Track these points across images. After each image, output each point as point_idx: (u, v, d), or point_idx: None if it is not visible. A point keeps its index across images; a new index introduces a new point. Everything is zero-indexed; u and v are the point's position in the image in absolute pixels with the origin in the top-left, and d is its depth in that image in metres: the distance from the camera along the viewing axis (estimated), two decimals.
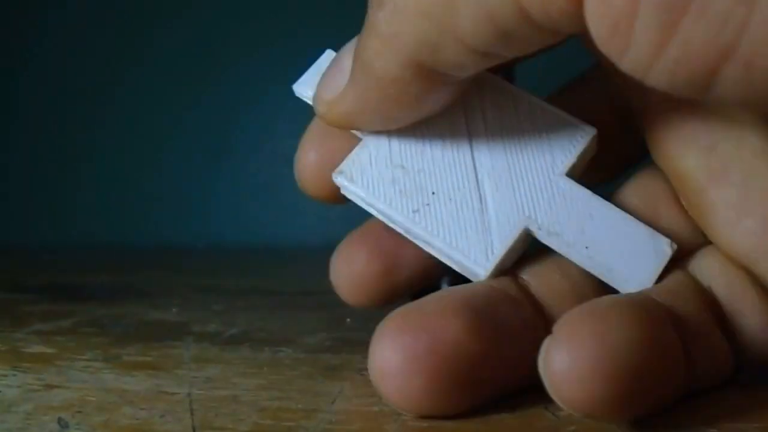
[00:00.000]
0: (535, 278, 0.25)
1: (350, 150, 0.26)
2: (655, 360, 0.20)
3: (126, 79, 1.16)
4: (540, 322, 0.24)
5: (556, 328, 0.20)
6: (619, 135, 0.28)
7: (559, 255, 0.24)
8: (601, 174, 0.29)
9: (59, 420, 0.21)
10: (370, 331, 0.31)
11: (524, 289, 0.25)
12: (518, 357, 0.23)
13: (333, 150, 0.27)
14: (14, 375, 0.27)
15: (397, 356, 0.21)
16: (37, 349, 0.32)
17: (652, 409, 0.21)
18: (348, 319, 0.39)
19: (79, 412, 0.22)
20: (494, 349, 0.22)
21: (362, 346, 0.31)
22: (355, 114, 0.24)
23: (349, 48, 0.25)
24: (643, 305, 0.21)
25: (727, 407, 0.22)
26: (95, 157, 1.16)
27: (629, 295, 0.23)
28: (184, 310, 0.44)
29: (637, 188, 0.27)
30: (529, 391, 0.24)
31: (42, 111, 1.19)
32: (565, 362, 0.19)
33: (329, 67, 0.26)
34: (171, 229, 1.14)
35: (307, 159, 0.30)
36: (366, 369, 0.27)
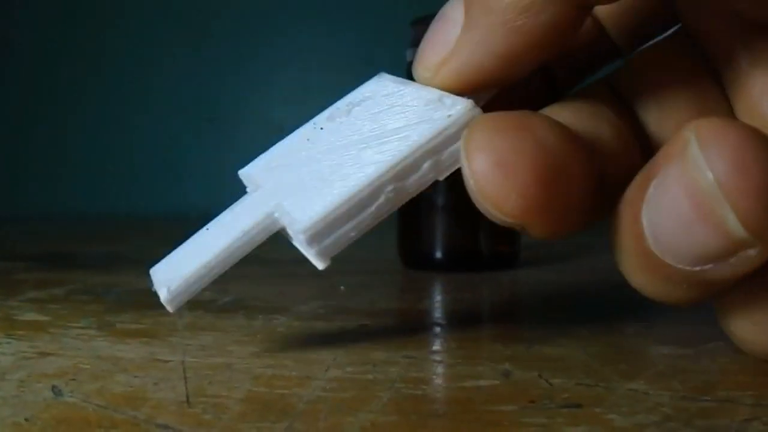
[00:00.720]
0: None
1: (521, 147, 0.21)
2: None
3: (117, 50, 1.16)
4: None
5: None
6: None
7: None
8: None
9: (53, 387, 0.21)
10: (363, 300, 0.31)
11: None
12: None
13: (504, 150, 0.20)
14: (8, 343, 0.27)
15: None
16: (31, 316, 0.32)
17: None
18: (342, 287, 0.39)
19: (73, 379, 0.22)
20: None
21: (356, 314, 0.31)
22: (474, 65, 0.22)
23: (453, 1, 0.23)
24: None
25: (720, 375, 0.23)
26: (87, 128, 1.16)
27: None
28: None
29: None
30: (522, 358, 0.25)
31: (33, 81, 1.18)
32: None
33: (431, 29, 0.24)
34: (163, 198, 1.14)
35: (480, 167, 0.21)
36: (360, 337, 0.27)
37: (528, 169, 0.20)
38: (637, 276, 0.20)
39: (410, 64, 0.49)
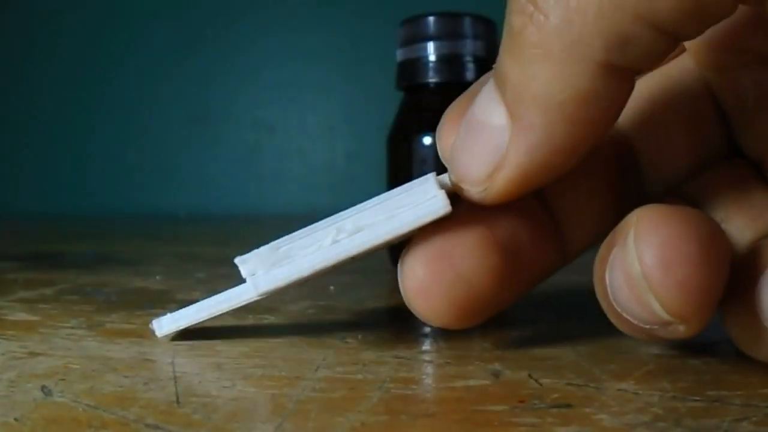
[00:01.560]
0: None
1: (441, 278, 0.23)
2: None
3: (105, 51, 1.16)
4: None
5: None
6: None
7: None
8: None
9: (43, 387, 0.21)
10: (352, 300, 0.31)
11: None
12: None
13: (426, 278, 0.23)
14: None
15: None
16: (21, 316, 0.32)
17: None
18: (331, 287, 0.39)
19: (63, 379, 0.22)
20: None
21: (345, 313, 0.31)
22: (534, 168, 0.21)
23: (483, 106, 0.22)
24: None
25: (710, 375, 0.23)
26: (77, 128, 1.16)
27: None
28: (167, 278, 0.44)
29: None
30: (512, 358, 0.25)
31: (21, 81, 1.18)
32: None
33: (462, 140, 0.23)
34: (153, 198, 1.14)
35: (416, 282, 0.23)
36: (349, 338, 0.27)
37: (445, 299, 0.23)
38: (611, 318, 0.22)
39: (400, 64, 0.49)
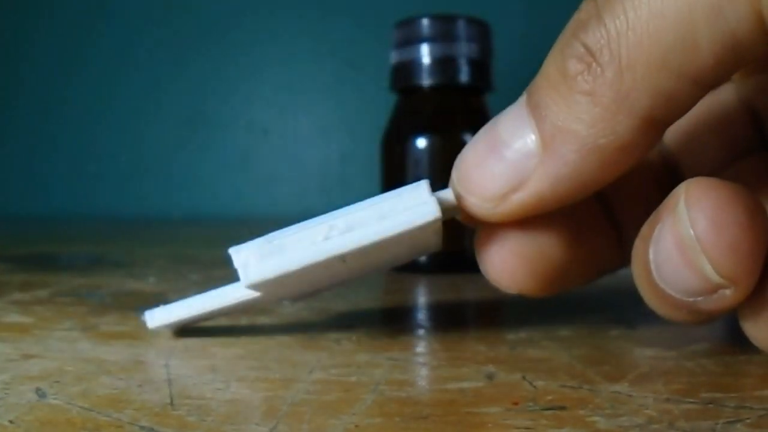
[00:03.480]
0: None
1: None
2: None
3: (99, 53, 1.16)
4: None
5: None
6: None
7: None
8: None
9: (37, 389, 0.21)
10: (346, 302, 0.31)
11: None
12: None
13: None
14: None
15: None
16: (15, 318, 0.32)
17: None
18: None
19: (57, 381, 0.22)
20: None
21: (340, 316, 0.31)
22: (553, 195, 0.22)
23: (512, 128, 0.23)
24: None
25: (704, 377, 0.23)
26: (72, 129, 1.16)
27: None
28: (161, 281, 0.44)
29: None
30: (506, 360, 0.25)
31: (15, 83, 1.18)
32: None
33: (479, 155, 0.23)
34: (147, 200, 1.13)
35: (492, 248, 0.25)
36: (343, 340, 0.27)
37: (519, 262, 0.25)
38: (649, 300, 0.22)
39: (395, 66, 0.49)
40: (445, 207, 0.24)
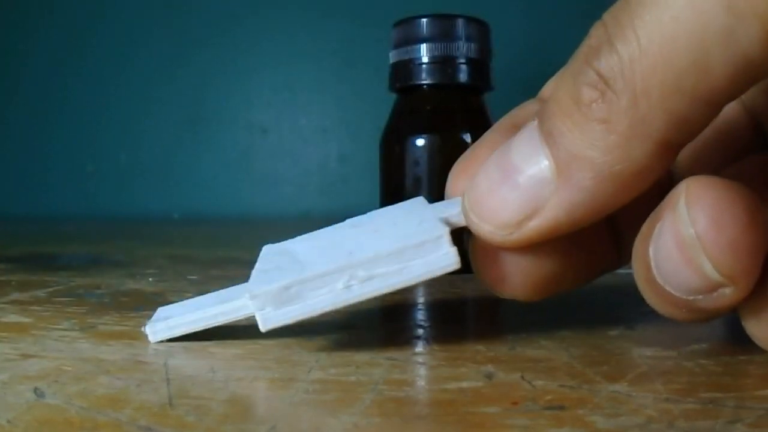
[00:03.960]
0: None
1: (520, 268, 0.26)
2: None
3: (98, 52, 1.16)
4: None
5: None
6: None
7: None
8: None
9: (35, 389, 0.21)
10: None
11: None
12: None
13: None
14: None
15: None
16: (13, 318, 0.32)
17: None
18: None
19: (56, 381, 0.22)
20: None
21: (338, 315, 0.31)
22: (569, 220, 0.23)
23: (525, 155, 0.23)
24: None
25: (703, 377, 0.23)
26: (71, 129, 1.16)
27: None
28: (160, 280, 0.44)
29: None
30: (505, 360, 0.25)
31: (13, 81, 1.18)
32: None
33: (490, 181, 0.24)
34: (146, 200, 1.13)
35: (486, 254, 0.26)
36: (342, 339, 0.27)
37: (513, 268, 0.26)
38: (649, 297, 0.23)
39: (393, 65, 0.49)
40: (454, 227, 0.25)
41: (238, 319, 0.27)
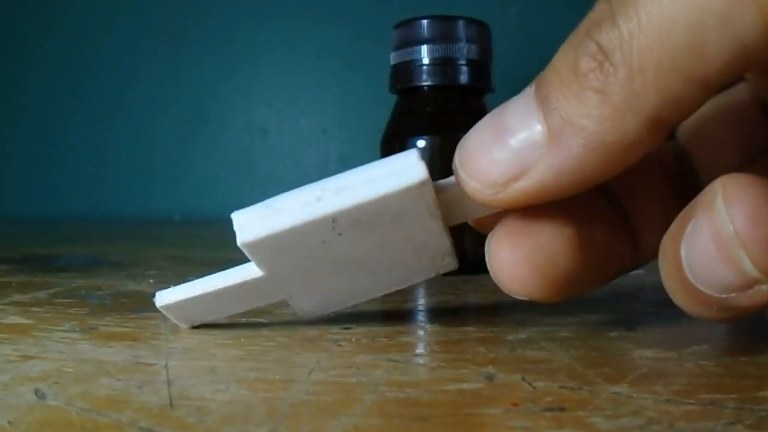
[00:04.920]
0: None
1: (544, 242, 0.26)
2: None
3: (100, 53, 1.16)
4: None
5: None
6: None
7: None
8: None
9: (36, 391, 0.21)
10: None
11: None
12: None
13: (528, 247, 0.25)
14: None
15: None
16: (14, 320, 0.32)
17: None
18: None
19: (57, 383, 0.22)
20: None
21: (339, 316, 0.31)
22: (555, 186, 0.23)
23: (519, 117, 0.23)
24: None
25: (704, 378, 0.23)
26: (72, 131, 1.16)
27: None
28: (161, 282, 0.44)
29: None
30: (505, 361, 0.25)
31: (14, 82, 1.18)
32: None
33: (483, 139, 0.24)
34: (147, 201, 1.13)
35: (502, 256, 0.26)
36: (342, 341, 0.27)
37: (529, 270, 0.25)
38: (679, 297, 0.23)
39: (394, 67, 0.49)
40: (448, 197, 0.25)
41: (244, 279, 0.28)
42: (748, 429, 0.18)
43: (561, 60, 0.22)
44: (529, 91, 0.23)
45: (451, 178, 0.25)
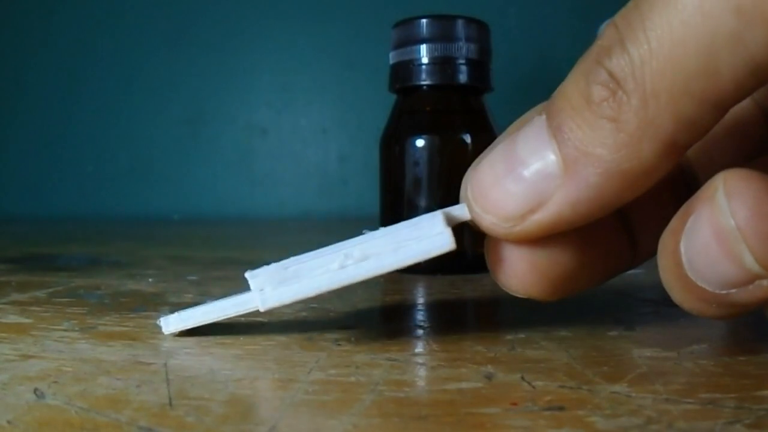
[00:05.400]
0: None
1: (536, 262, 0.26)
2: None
3: (97, 53, 1.16)
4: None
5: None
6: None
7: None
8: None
9: (35, 390, 0.21)
10: (345, 302, 0.31)
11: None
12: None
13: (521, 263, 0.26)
14: None
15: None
16: (14, 319, 0.32)
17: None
18: None
19: (56, 382, 0.22)
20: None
21: (338, 316, 0.31)
22: (573, 216, 0.23)
23: (532, 149, 0.23)
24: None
25: (703, 377, 0.23)
26: (71, 130, 1.16)
27: None
28: (160, 281, 0.44)
29: None
30: (504, 361, 0.25)
31: (12, 82, 1.18)
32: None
33: (495, 173, 0.24)
34: (146, 201, 1.13)
35: (502, 254, 0.26)
36: (342, 340, 0.27)
37: (527, 267, 0.25)
38: (677, 294, 0.23)
39: (393, 66, 0.49)
40: (457, 223, 0.25)
41: (247, 311, 0.27)
42: (747, 428, 0.18)
43: (572, 88, 0.22)
44: (540, 121, 0.23)
45: (462, 206, 0.25)
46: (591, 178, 0.22)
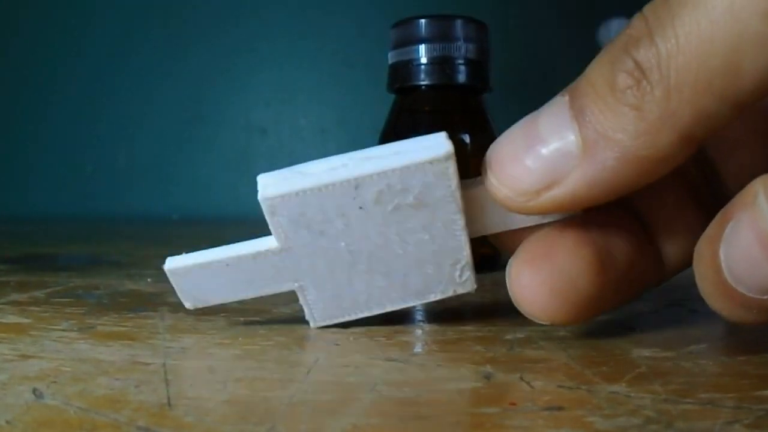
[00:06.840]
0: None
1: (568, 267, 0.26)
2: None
3: (98, 51, 1.15)
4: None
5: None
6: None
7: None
8: None
9: (34, 390, 0.21)
10: None
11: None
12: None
13: (550, 270, 0.26)
14: None
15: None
16: (12, 319, 0.32)
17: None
18: None
19: (54, 382, 0.22)
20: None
21: None
22: (587, 195, 0.23)
23: (553, 127, 0.23)
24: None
25: (701, 377, 0.23)
26: (70, 130, 1.16)
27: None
28: (159, 281, 0.44)
29: None
30: (503, 361, 0.25)
31: (12, 80, 1.18)
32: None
33: (515, 146, 0.24)
34: (145, 200, 1.13)
35: (522, 280, 0.26)
36: (341, 340, 0.27)
37: (550, 294, 0.25)
38: (716, 301, 0.22)
39: (392, 66, 0.49)
40: (473, 198, 0.26)
41: (254, 251, 0.28)
42: (746, 428, 0.18)
43: (597, 73, 0.22)
44: (562, 101, 0.23)
45: (478, 178, 0.26)
46: (608, 162, 0.22)
